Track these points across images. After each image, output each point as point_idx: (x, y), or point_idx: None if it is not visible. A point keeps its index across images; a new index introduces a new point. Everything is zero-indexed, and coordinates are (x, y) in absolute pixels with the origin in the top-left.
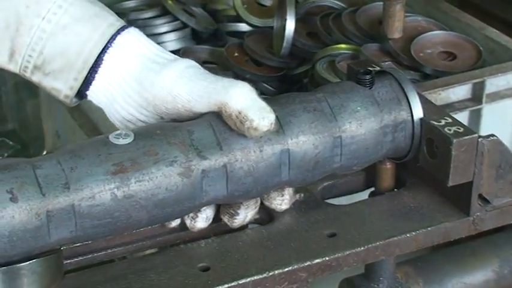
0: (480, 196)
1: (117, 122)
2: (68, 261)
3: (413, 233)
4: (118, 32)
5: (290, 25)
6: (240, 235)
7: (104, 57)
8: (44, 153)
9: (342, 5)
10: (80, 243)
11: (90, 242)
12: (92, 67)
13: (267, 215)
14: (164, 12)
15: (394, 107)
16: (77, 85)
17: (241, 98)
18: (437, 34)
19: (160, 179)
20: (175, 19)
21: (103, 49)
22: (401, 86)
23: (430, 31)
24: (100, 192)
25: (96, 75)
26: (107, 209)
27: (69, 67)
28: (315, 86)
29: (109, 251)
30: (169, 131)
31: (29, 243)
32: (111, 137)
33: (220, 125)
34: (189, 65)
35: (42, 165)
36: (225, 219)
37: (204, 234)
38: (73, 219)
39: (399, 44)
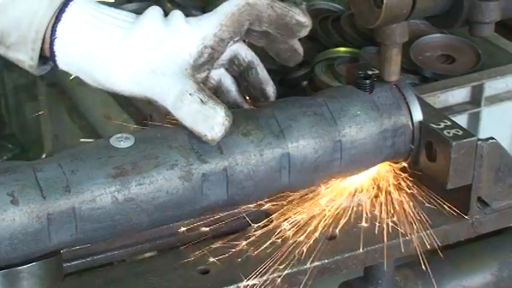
0: (479, 199)
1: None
2: (68, 264)
3: (413, 236)
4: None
5: None
6: (239, 238)
7: (57, 28)
8: (43, 156)
9: (341, 8)
10: (80, 246)
11: (89, 244)
12: (49, 37)
13: (265, 217)
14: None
15: (394, 111)
16: (35, 55)
17: (187, 115)
18: (436, 37)
19: (161, 182)
20: None
21: (57, 18)
22: (401, 90)
23: (428, 34)
24: (101, 195)
25: (55, 47)
26: (107, 212)
27: (24, 39)
28: (314, 89)
29: (109, 253)
30: (170, 135)
31: (30, 246)
32: (112, 141)
33: None
34: (136, 52)
35: (43, 168)
36: None
37: (203, 237)
38: (73, 222)
39: None
